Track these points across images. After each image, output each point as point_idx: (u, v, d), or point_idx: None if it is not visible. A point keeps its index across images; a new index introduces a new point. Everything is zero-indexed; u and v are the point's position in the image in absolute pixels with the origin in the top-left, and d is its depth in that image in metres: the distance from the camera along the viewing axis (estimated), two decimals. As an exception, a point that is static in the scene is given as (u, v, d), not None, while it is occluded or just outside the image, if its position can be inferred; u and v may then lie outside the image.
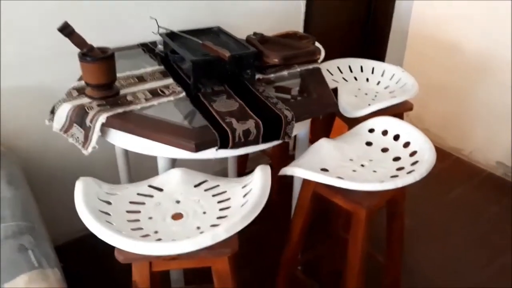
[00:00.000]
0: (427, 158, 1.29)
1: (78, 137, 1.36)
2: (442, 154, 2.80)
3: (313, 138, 1.61)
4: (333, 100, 1.45)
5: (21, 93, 1.68)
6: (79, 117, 1.33)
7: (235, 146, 1.25)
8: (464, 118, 2.70)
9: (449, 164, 2.71)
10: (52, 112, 1.40)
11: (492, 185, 2.53)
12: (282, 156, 2.16)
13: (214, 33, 1.67)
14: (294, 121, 1.33)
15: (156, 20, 1.66)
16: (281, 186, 2.04)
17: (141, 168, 1.73)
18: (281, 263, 1.57)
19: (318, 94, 1.48)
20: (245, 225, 1.04)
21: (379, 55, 2.85)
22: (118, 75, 1.53)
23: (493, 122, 2.55)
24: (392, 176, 1.28)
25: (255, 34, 1.67)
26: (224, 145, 1.23)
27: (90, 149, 1.32)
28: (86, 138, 1.33)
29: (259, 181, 1.16)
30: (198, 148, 1.19)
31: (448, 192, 2.45)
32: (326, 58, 1.97)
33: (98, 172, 1.96)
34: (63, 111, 1.36)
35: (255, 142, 1.28)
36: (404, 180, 1.20)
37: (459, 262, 1.99)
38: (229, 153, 1.27)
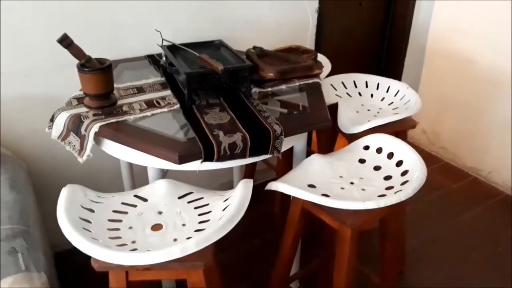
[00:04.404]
0: (416, 177, 1.25)
1: (74, 145, 1.40)
2: (459, 174, 2.71)
3: (319, 152, 1.58)
4: (326, 116, 1.43)
5: (29, 100, 1.74)
6: (75, 125, 1.36)
7: (220, 159, 1.25)
8: (482, 136, 2.60)
9: (465, 185, 2.61)
10: (52, 120, 1.45)
11: (508, 207, 2.42)
12: (286, 171, 2.13)
13: (215, 46, 1.68)
14: (283, 136, 1.32)
15: (160, 32, 1.70)
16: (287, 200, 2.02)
17: (145, 177, 1.76)
18: (272, 279, 1.55)
19: (312, 109, 1.47)
20: (216, 239, 1.04)
21: (396, 71, 2.80)
22: (119, 85, 1.57)
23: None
24: (379, 196, 1.25)
25: (254, 48, 1.67)
26: (209, 158, 1.24)
27: (85, 157, 1.36)
28: (82, 146, 1.37)
29: (238, 196, 1.16)
30: (181, 160, 1.20)
31: (461, 213, 2.36)
32: (339, 73, 1.95)
33: (104, 179, 2.02)
34: (61, 120, 1.40)
35: (242, 155, 1.28)
36: (387, 200, 1.17)
37: (464, 286, 1.91)
38: (214, 165, 1.27)
